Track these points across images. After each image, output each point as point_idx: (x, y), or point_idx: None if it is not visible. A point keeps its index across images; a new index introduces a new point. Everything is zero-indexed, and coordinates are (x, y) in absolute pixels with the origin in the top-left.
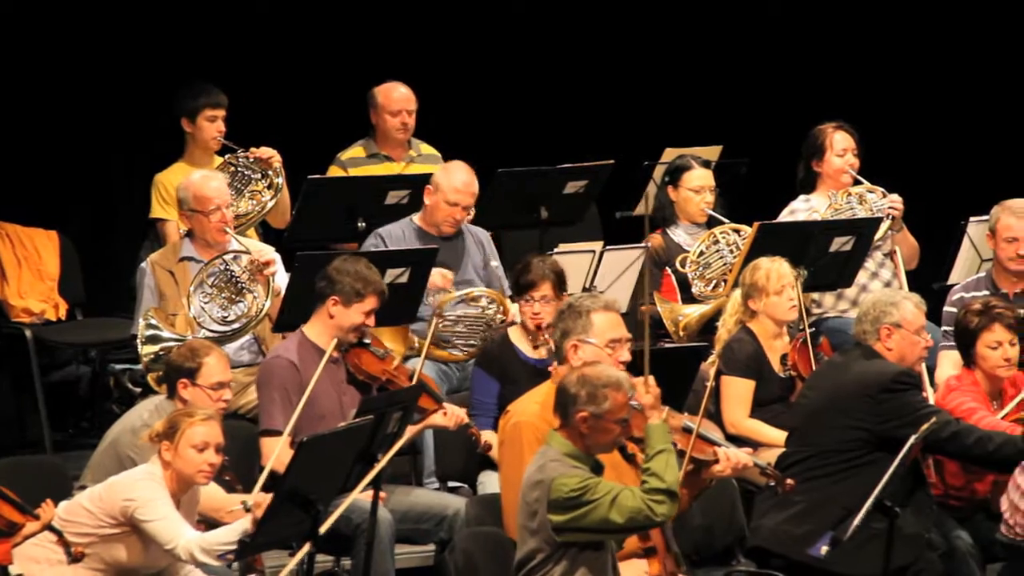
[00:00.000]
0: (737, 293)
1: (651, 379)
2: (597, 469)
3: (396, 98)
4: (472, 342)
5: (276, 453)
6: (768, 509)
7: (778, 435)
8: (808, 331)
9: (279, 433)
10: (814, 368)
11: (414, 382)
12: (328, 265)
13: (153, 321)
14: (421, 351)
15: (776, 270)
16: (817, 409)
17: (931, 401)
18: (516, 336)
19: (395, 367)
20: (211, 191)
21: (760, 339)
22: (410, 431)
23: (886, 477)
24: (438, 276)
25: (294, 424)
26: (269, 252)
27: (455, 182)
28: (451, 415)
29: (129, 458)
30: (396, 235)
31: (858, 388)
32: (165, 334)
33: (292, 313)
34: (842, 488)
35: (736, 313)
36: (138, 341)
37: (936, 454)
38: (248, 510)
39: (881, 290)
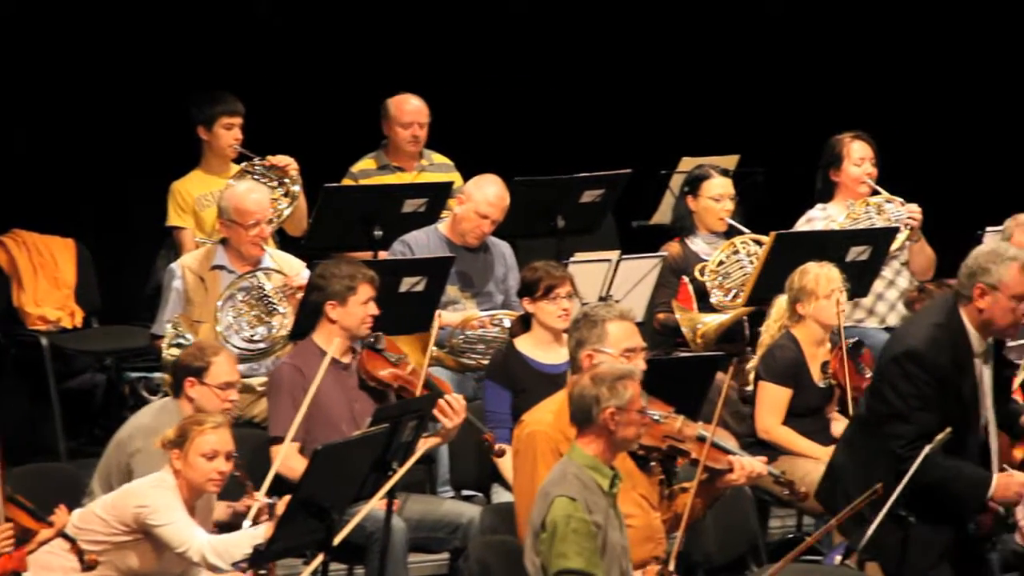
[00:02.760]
0: (782, 299)
1: None
2: (615, 480)
3: (408, 110)
4: (489, 358)
5: (280, 457)
6: None
7: (809, 446)
8: (851, 341)
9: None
10: (849, 378)
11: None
12: (312, 276)
13: (182, 329)
14: (435, 359)
15: (825, 275)
16: None
17: None
18: (523, 344)
19: (409, 371)
20: (252, 204)
21: (803, 346)
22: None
23: (900, 487)
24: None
25: (302, 430)
26: (303, 275)
27: (488, 195)
28: (454, 409)
29: (130, 455)
30: (421, 242)
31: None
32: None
33: (309, 322)
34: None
35: (780, 319)
36: (164, 343)
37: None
38: (271, 505)
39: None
